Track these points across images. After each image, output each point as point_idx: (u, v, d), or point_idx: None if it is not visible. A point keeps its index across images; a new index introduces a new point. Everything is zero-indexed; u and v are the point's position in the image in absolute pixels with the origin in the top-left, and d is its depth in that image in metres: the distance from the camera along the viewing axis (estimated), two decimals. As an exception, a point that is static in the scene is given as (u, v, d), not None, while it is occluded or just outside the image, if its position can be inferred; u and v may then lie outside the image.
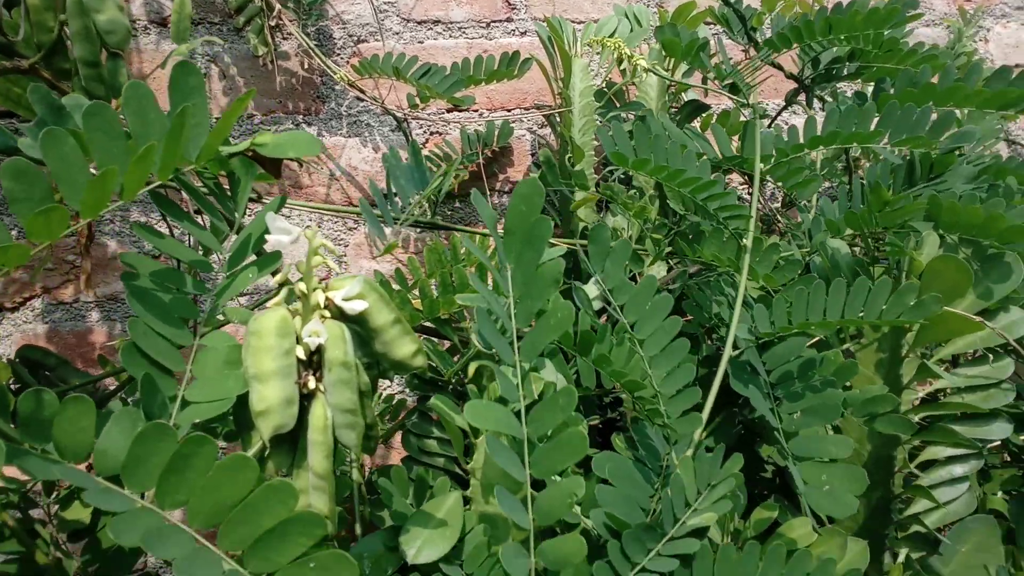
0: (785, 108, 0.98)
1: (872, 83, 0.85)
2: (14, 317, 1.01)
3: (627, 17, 1.00)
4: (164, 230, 0.89)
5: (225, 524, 0.36)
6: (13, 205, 0.38)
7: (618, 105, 1.01)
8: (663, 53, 0.89)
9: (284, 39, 1.05)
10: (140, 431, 0.37)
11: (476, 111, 1.12)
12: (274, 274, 0.47)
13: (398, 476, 0.60)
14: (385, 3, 1.10)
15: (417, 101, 1.01)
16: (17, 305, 1.01)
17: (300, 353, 0.42)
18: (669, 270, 0.84)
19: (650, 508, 0.52)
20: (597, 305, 0.62)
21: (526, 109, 1.13)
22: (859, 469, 0.51)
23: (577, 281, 0.65)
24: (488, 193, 1.10)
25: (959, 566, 0.65)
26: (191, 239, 0.57)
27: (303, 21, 1.02)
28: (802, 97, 0.93)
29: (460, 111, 1.10)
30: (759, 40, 0.85)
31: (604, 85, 1.02)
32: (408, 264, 0.74)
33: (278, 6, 0.99)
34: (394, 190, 0.80)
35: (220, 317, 0.49)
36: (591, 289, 0.62)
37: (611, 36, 0.97)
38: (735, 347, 0.60)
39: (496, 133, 1.07)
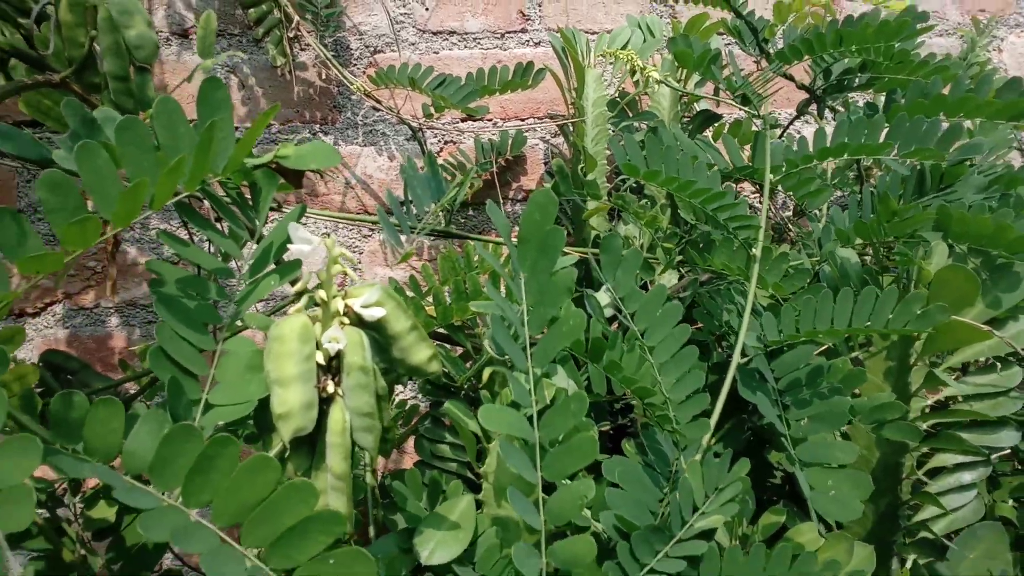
0: (797, 117, 0.98)
1: (883, 94, 0.86)
2: (35, 322, 1.03)
3: (640, 28, 1.01)
4: (183, 236, 0.91)
5: (248, 522, 0.38)
6: (50, 215, 0.40)
7: (631, 115, 1.02)
8: (676, 64, 0.90)
9: (302, 50, 1.08)
10: (167, 432, 0.38)
11: (490, 120, 1.13)
12: (293, 282, 0.48)
13: (412, 479, 0.62)
14: (401, 14, 1.12)
15: (432, 111, 1.03)
16: (39, 310, 1.03)
17: (320, 358, 0.44)
18: (680, 278, 0.85)
19: (659, 512, 0.53)
20: (609, 312, 0.63)
21: (540, 119, 1.14)
22: (864, 475, 0.52)
23: (589, 289, 0.66)
24: (501, 201, 1.12)
25: (967, 572, 0.66)
26: (210, 246, 0.59)
27: (321, 32, 1.04)
28: (814, 107, 0.94)
29: (474, 120, 1.12)
30: (771, 52, 0.86)
31: (617, 95, 1.04)
32: (422, 271, 0.76)
33: (297, 18, 1.01)
34: (410, 199, 0.82)
35: (238, 323, 0.51)
36: (603, 297, 0.63)
37: (624, 47, 0.99)
38: (744, 355, 0.61)
39: (510, 142, 1.09)
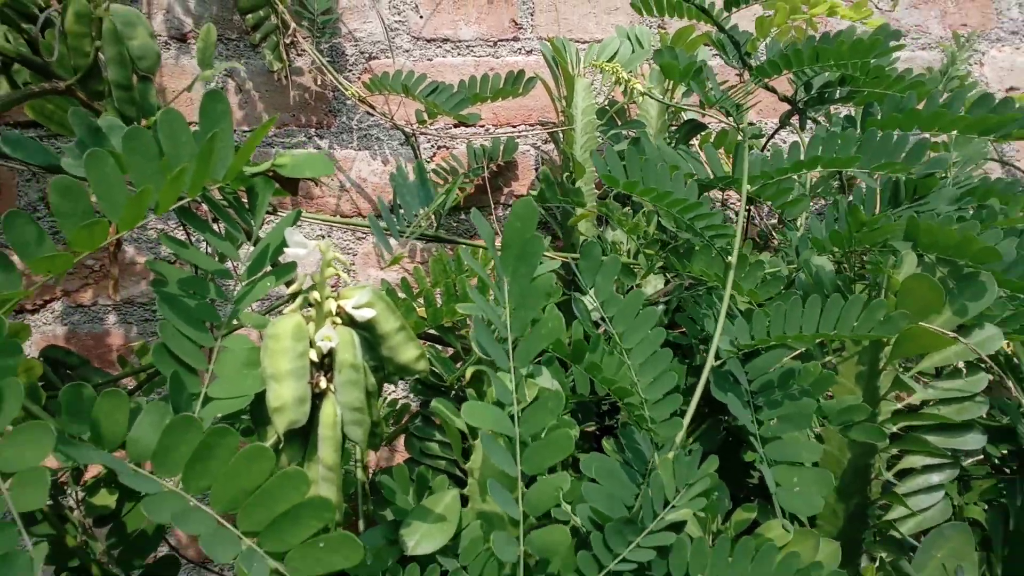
0: (780, 128, 1.01)
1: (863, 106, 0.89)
2: (35, 319, 1.05)
3: (629, 39, 1.04)
4: (181, 238, 0.93)
5: (244, 508, 0.40)
6: (60, 218, 0.43)
7: (619, 123, 1.05)
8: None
9: (298, 55, 1.10)
10: (169, 423, 0.41)
11: (483, 126, 1.16)
12: (288, 283, 0.51)
13: (400, 475, 0.64)
14: (396, 22, 1.14)
15: (425, 117, 1.05)
16: (38, 307, 1.06)
17: (313, 356, 0.47)
18: (667, 283, 0.87)
19: (633, 506, 0.56)
20: (596, 316, 0.66)
21: (531, 125, 1.17)
22: (827, 472, 0.55)
23: (578, 292, 0.69)
24: (493, 206, 1.14)
25: (933, 571, 0.69)
26: (207, 247, 0.61)
27: (317, 38, 1.06)
28: (796, 119, 0.97)
29: (467, 126, 1.14)
30: (752, 65, 0.89)
31: (607, 103, 1.06)
32: (414, 274, 0.78)
33: (293, 24, 1.03)
34: (400, 205, 0.85)
35: (235, 322, 0.54)
36: (589, 301, 0.66)
37: (612, 57, 1.01)
38: (718, 357, 0.64)
39: (501, 148, 1.11)
